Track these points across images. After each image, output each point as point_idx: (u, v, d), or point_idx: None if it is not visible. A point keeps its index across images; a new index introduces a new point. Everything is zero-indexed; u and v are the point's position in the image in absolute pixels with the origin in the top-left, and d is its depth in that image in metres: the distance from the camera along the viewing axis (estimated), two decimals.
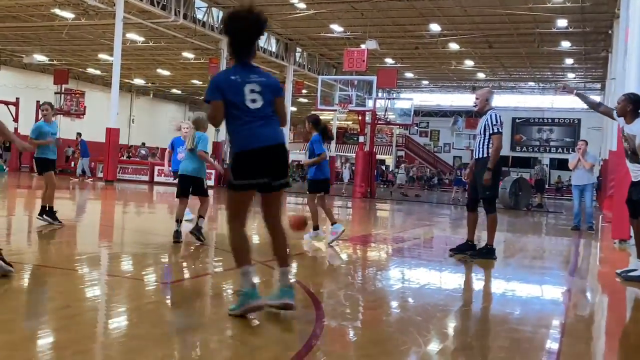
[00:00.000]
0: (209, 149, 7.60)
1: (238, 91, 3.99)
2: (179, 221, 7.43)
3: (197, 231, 7.47)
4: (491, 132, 7.32)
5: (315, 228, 8.42)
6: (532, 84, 44.06)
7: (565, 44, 29.37)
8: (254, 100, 4.00)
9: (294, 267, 6.54)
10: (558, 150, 46.64)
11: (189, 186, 7.58)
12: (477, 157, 7.50)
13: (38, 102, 30.15)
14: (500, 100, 45.03)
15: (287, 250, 4.22)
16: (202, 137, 7.60)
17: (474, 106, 7.68)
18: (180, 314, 4.29)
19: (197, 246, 7.41)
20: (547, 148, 46.92)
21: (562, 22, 25.79)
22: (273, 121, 4.10)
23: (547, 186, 26.59)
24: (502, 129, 7.38)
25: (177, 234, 7.36)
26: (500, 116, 7.43)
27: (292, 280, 4.88)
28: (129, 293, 4.76)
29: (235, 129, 4.04)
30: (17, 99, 29.44)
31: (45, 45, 33.74)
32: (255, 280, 4.18)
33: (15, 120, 28.97)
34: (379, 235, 10.57)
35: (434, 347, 3.77)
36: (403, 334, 3.95)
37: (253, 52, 4.12)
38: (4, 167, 28.58)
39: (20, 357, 3.09)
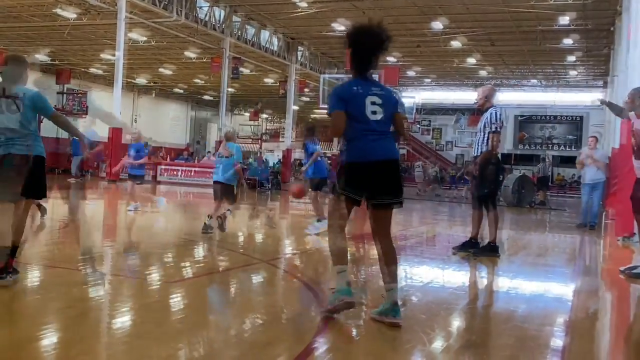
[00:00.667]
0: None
1: (360, 103, 4.04)
2: (209, 216, 8.27)
3: (222, 220, 8.33)
4: (489, 130, 7.31)
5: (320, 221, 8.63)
6: (534, 81, 43.95)
7: (568, 41, 29.28)
8: (374, 112, 4.05)
9: (297, 264, 6.55)
10: (561, 147, 46.56)
11: (221, 191, 8.58)
12: (475, 154, 7.49)
13: None
14: (503, 97, 44.90)
15: (396, 266, 4.23)
16: (237, 147, 8.69)
17: (475, 103, 7.68)
18: (184, 313, 4.29)
19: (201, 245, 7.40)
20: (551, 145, 46.84)
21: (564, 19, 25.71)
22: (390, 136, 4.16)
23: (550, 183, 26.49)
24: (501, 127, 7.35)
25: (206, 227, 8.17)
26: (500, 114, 7.40)
27: (295, 275, 4.87)
28: (133, 292, 4.76)
29: (354, 140, 4.08)
30: None
31: (47, 45, 33.71)
32: (350, 279, 4.21)
33: None
34: None
35: (438, 344, 3.76)
36: (407, 332, 3.94)
37: (374, 66, 4.17)
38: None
39: (25, 356, 3.09)
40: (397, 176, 4.16)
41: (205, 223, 8.22)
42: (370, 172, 4.02)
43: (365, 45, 4.10)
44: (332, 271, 4.27)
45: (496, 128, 7.27)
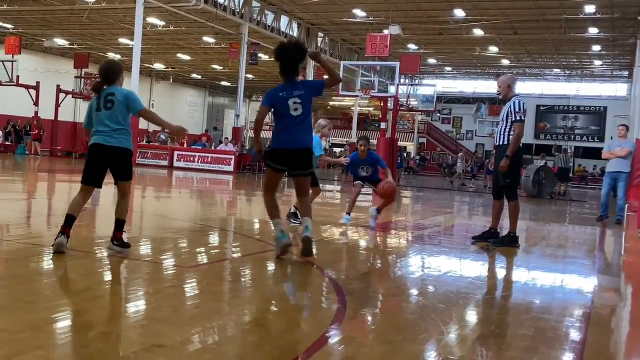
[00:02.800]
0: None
1: (284, 104, 5.47)
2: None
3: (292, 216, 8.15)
4: (513, 119, 7.19)
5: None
6: (557, 70, 43.37)
7: (593, 30, 28.82)
8: (296, 109, 5.47)
9: (314, 253, 6.53)
10: (583, 139, 45.97)
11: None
12: (497, 143, 7.39)
13: (58, 86, 30.45)
14: (524, 87, 44.45)
15: (309, 207, 5.83)
16: (316, 140, 8.00)
17: (497, 94, 7.57)
18: (200, 298, 4.28)
19: (217, 231, 7.40)
20: (572, 136, 46.27)
21: (589, 8, 25.30)
22: (305, 127, 5.57)
23: (571, 174, 26.18)
24: (525, 116, 7.24)
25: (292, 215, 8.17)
26: (524, 103, 7.28)
27: (310, 263, 4.85)
28: (149, 277, 4.76)
29: (279, 131, 5.58)
30: (38, 82, 29.63)
31: (65, 29, 33.90)
32: (282, 228, 5.66)
33: (36, 104, 29.17)
34: (400, 222, 10.50)
35: (456, 334, 3.71)
36: (425, 321, 3.90)
37: (295, 73, 5.57)
38: (25, 150, 28.92)
39: (43, 337, 3.09)
40: (306, 157, 5.60)
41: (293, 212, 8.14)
42: (287, 155, 5.54)
43: (284, 59, 5.52)
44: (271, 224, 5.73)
45: (520, 117, 7.16)
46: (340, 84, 24.94)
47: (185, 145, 28.22)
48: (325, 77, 5.82)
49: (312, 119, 5.74)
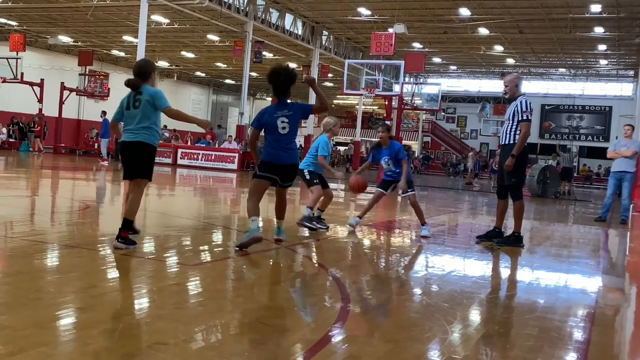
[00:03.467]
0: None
1: (274, 123, 6.02)
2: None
3: (307, 221, 7.66)
4: (520, 118, 7.16)
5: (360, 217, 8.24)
6: (562, 70, 43.22)
7: (599, 30, 28.70)
8: (284, 128, 6.04)
9: (316, 250, 6.52)
10: (588, 138, 45.83)
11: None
12: (503, 142, 7.35)
13: (62, 83, 30.48)
14: (529, 86, 44.33)
15: (284, 211, 6.47)
16: (322, 140, 7.84)
17: (504, 94, 7.50)
18: (204, 296, 4.28)
19: (221, 229, 7.40)
20: (577, 136, 46.13)
21: (595, 7, 25.19)
22: (292, 147, 6.16)
23: (575, 174, 26.10)
24: (531, 116, 7.21)
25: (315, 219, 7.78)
26: (530, 103, 7.25)
27: (314, 261, 4.83)
28: (153, 274, 4.77)
29: (269, 146, 6.10)
30: (42, 80, 29.66)
31: (70, 26, 33.92)
32: (260, 224, 6.09)
33: (40, 101, 29.20)
34: (403, 222, 10.48)
35: (460, 333, 3.70)
36: (429, 320, 3.89)
37: (287, 95, 6.14)
38: (29, 147, 28.97)
39: (46, 335, 3.10)
40: (292, 172, 6.18)
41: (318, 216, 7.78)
42: (277, 169, 6.09)
43: (276, 83, 6.08)
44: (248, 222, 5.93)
45: (527, 117, 7.13)
46: (345, 82, 24.99)
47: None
48: (316, 102, 6.47)
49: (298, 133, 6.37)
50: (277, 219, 6.52)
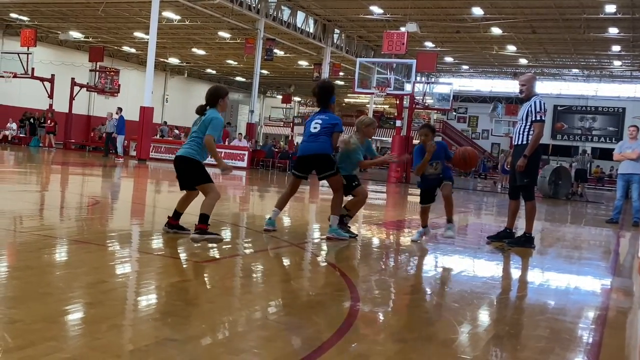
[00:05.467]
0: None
1: (309, 124, 6.86)
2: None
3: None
4: (533, 119, 7.12)
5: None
6: (576, 70, 42.94)
7: (613, 30, 28.48)
8: (315, 128, 6.76)
9: (326, 248, 6.50)
10: (601, 140, 45.50)
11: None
12: (516, 143, 7.33)
13: (73, 79, 30.63)
14: (542, 87, 44.06)
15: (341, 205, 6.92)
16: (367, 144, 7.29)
17: (520, 93, 7.40)
18: (213, 293, 4.28)
19: (230, 226, 7.39)
20: (590, 137, 45.81)
21: (610, 8, 25.00)
22: (319, 139, 6.73)
23: (588, 176, 25.88)
24: (545, 117, 7.16)
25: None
26: (544, 103, 7.21)
27: (324, 260, 4.80)
28: (162, 271, 4.77)
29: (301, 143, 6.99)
30: (52, 75, 29.78)
31: (81, 22, 34.04)
32: (274, 216, 6.98)
33: (50, 96, 29.34)
34: (413, 221, 10.44)
35: (471, 334, 3.68)
36: (439, 320, 3.87)
37: (324, 105, 6.93)
38: (39, 142, 29.15)
39: (56, 329, 3.10)
40: (316, 162, 6.75)
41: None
42: (304, 161, 6.86)
43: (316, 96, 6.97)
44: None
45: (540, 117, 7.09)
46: (356, 81, 24.94)
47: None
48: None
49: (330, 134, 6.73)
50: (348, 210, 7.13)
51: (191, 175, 5.90)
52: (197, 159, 5.84)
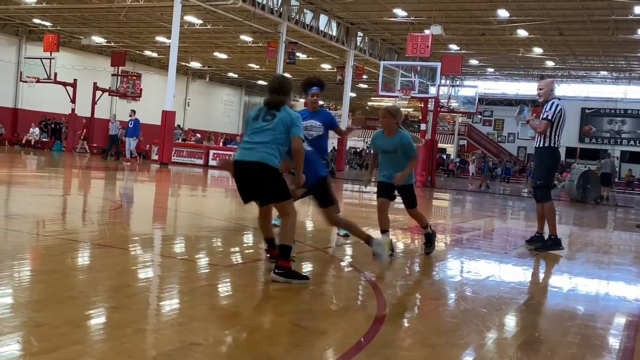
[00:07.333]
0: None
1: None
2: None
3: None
4: (543, 117, 7.21)
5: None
6: (604, 73, 42.23)
7: None
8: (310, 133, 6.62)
9: (350, 253, 6.45)
10: (630, 143, 44.69)
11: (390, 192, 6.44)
12: (535, 145, 7.43)
13: (95, 83, 30.98)
14: (569, 89, 43.49)
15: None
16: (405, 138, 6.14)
17: (539, 97, 7.53)
18: (237, 297, 4.26)
19: (252, 230, 7.39)
20: (619, 140, 45.02)
21: (639, 9, 24.55)
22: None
23: (616, 180, 25.44)
24: (555, 119, 7.13)
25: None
26: (557, 105, 7.23)
27: (348, 264, 4.74)
28: (185, 275, 4.76)
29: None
30: (75, 80, 30.08)
31: (103, 27, 34.37)
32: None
33: (73, 101, 29.70)
34: (439, 225, 10.33)
35: (499, 339, 3.60)
36: (467, 326, 3.80)
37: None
38: (62, 146, 29.65)
39: (81, 333, 3.11)
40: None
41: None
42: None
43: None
44: None
45: (547, 116, 7.14)
46: (380, 84, 24.85)
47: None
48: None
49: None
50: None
51: (271, 188, 4.64)
52: (277, 168, 4.63)
